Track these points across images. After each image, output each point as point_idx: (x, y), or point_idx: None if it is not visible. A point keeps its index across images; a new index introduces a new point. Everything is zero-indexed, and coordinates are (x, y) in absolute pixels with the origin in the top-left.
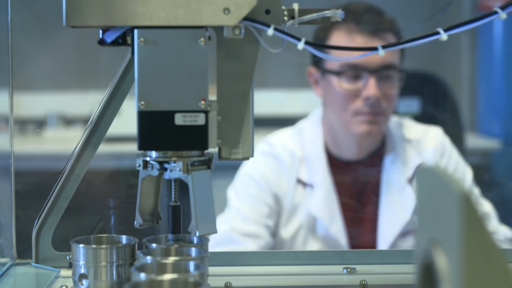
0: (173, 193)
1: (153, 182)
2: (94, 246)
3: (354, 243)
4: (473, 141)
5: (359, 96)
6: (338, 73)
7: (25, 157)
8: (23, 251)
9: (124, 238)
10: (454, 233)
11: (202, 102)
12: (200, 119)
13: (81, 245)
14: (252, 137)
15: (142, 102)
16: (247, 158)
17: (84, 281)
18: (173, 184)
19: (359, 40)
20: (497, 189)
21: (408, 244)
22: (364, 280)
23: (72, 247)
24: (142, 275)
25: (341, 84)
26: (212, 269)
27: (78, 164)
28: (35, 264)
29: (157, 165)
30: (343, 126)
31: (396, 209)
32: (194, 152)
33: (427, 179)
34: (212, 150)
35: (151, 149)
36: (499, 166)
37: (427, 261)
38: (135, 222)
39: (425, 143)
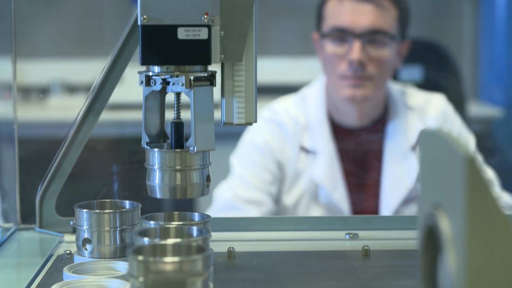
0: (175, 109)
1: (157, 99)
2: (97, 211)
3: (357, 209)
4: (475, 108)
5: (344, 60)
6: (324, 36)
7: (28, 124)
8: (27, 217)
9: (127, 203)
10: (458, 197)
11: (205, 16)
12: (203, 34)
13: (85, 210)
14: (255, 102)
15: (145, 16)
16: (250, 124)
17: (88, 246)
18: (175, 99)
19: (348, 5)
20: (499, 156)
21: (411, 211)
22: (367, 246)
23: (75, 212)
24: (145, 240)
25: (328, 47)
26: (215, 235)
27: (81, 131)
28: (39, 229)
29: (159, 80)
30: (334, 91)
31: (399, 175)
32: (197, 67)
33: (431, 142)
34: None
35: (154, 64)
36: (501, 134)
37: (430, 225)
38: (141, 141)
39: (428, 111)
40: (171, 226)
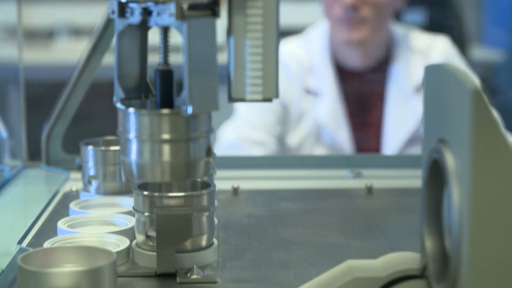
0: (162, 50)
1: (135, 38)
2: (103, 147)
3: (360, 149)
4: (478, 51)
5: (338, 3)
6: None
7: (34, 67)
8: (34, 155)
9: None
10: (464, 130)
11: None
12: None
13: (90, 147)
14: (277, 73)
15: None
16: (270, 100)
17: (93, 183)
18: (162, 37)
19: None
20: (502, 98)
21: (414, 151)
22: (370, 184)
23: (81, 149)
24: None
25: None
26: (219, 173)
27: (86, 70)
28: (46, 167)
29: (138, 9)
30: (333, 34)
31: (402, 116)
32: None
33: (436, 77)
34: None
35: None
36: (504, 77)
37: (435, 159)
38: (113, 97)
39: (431, 53)
40: None
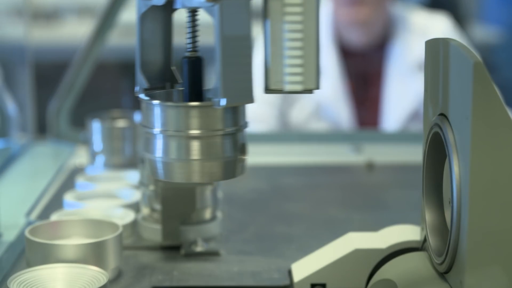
0: (190, 35)
1: (159, 21)
2: (109, 122)
3: (361, 126)
4: (477, 29)
5: None
6: None
7: (41, 45)
8: (42, 129)
9: (138, 115)
10: (465, 102)
11: None
12: None
13: (97, 121)
14: (318, 61)
15: None
16: (311, 91)
17: (99, 157)
18: (190, 20)
19: None
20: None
21: (415, 128)
22: (371, 160)
23: (87, 123)
24: None
25: None
26: None
27: (94, 46)
28: (53, 141)
29: None
30: (335, 13)
31: (402, 93)
32: None
33: (437, 51)
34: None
35: None
36: (503, 54)
37: (435, 132)
38: (135, 87)
39: (431, 31)
40: None
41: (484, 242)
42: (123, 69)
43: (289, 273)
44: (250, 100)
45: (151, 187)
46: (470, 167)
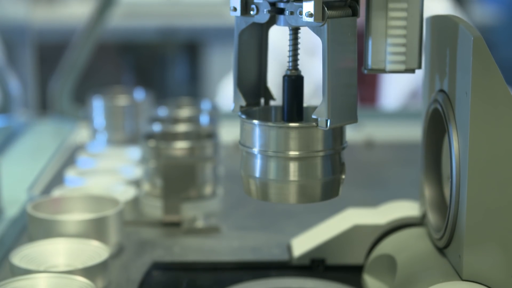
0: (290, 53)
1: (255, 37)
2: (111, 99)
3: (361, 103)
4: (476, 9)
5: None
6: None
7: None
8: (44, 106)
9: (140, 92)
10: (465, 77)
11: None
12: None
13: (99, 98)
14: (421, 39)
15: None
16: (413, 71)
17: (101, 133)
18: (291, 37)
19: None
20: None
21: (415, 107)
22: (370, 137)
23: (90, 101)
24: (157, 126)
25: None
26: (223, 126)
27: (95, 24)
28: (55, 118)
29: (266, 5)
30: None
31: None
32: None
33: (439, 27)
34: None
35: None
36: (502, 34)
37: (435, 108)
38: (232, 104)
39: (432, 11)
40: (181, 113)
41: (482, 217)
42: (123, 49)
43: (289, 248)
44: (354, 119)
45: (152, 163)
46: (470, 142)
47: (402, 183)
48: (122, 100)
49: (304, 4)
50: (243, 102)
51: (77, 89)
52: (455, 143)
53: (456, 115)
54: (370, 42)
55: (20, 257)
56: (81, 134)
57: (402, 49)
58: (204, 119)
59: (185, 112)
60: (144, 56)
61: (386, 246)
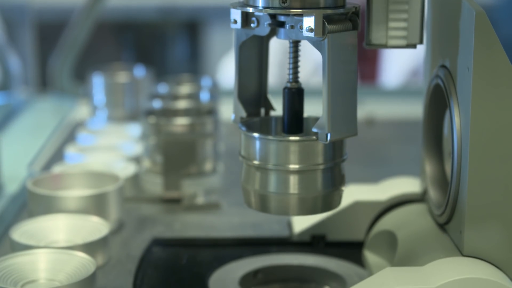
0: (290, 66)
1: (255, 49)
2: (111, 76)
3: (362, 81)
4: None
5: None
6: None
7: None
8: (44, 83)
9: (140, 69)
10: (467, 52)
11: None
12: None
13: (99, 75)
14: (423, 14)
15: None
16: (414, 46)
17: (102, 110)
18: (291, 50)
19: None
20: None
21: (417, 85)
22: (371, 115)
23: (90, 77)
24: (157, 103)
25: None
26: (224, 103)
27: (95, 2)
28: (55, 95)
29: (267, 18)
30: None
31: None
32: (329, 0)
33: (441, 2)
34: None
35: None
36: (502, 13)
37: (436, 84)
38: (232, 115)
39: None
40: (182, 89)
41: (484, 193)
42: (124, 27)
43: (289, 224)
44: (354, 133)
45: (153, 140)
46: (471, 117)
47: (402, 160)
48: (122, 77)
49: (305, 18)
50: (243, 113)
51: (77, 66)
52: (456, 118)
53: (457, 90)
54: (371, 17)
55: (20, 233)
56: (81, 111)
57: (404, 24)
58: (204, 96)
59: (185, 88)
60: (144, 35)
61: (387, 222)
